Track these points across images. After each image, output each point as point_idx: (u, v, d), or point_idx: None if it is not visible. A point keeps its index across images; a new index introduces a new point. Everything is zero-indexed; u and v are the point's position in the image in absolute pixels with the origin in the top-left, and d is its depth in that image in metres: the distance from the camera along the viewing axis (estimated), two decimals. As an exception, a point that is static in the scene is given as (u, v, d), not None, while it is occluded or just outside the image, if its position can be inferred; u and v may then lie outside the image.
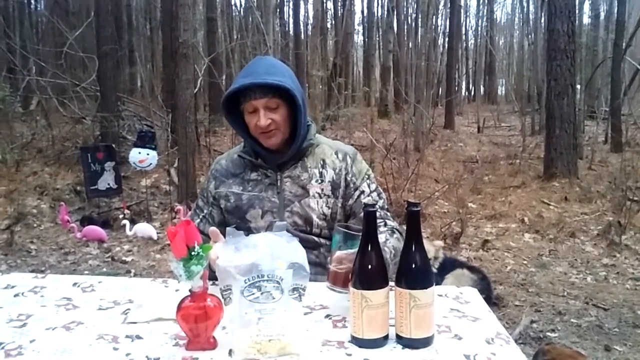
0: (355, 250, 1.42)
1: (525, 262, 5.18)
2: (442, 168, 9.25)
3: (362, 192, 1.91)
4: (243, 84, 1.77)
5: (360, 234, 1.43)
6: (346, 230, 1.47)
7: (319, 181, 1.88)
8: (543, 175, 8.66)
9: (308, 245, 1.74)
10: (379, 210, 1.84)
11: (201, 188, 2.05)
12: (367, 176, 1.94)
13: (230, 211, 1.90)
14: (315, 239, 1.87)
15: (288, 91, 1.76)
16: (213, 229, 1.59)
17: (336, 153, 1.93)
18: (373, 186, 1.94)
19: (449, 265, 4.18)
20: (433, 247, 4.09)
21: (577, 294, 4.37)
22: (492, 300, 3.89)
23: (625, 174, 7.30)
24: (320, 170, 1.89)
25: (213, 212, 1.94)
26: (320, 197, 1.87)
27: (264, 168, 1.90)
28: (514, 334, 3.42)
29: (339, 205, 1.89)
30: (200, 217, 1.95)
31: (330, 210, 1.88)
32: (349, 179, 1.90)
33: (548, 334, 3.63)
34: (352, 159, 1.93)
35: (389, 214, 1.93)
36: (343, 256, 1.45)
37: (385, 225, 1.86)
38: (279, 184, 1.88)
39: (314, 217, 1.86)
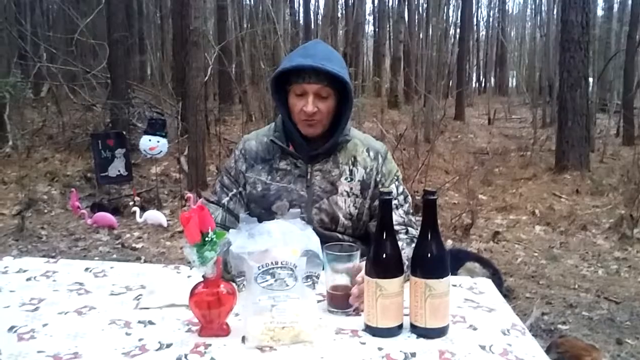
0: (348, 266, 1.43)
1: (536, 254, 5.15)
2: (453, 159, 9.19)
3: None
4: (302, 64, 1.67)
5: (350, 253, 1.43)
6: (336, 254, 1.43)
7: (349, 179, 1.80)
8: (554, 167, 8.61)
9: (330, 242, 1.69)
10: (402, 215, 1.77)
11: (226, 166, 1.91)
12: (396, 177, 1.85)
13: (255, 200, 1.81)
14: (339, 235, 1.78)
15: (342, 84, 1.69)
16: None
17: (367, 150, 1.84)
18: (401, 188, 1.85)
19: (456, 256, 4.12)
20: None
21: (588, 287, 4.34)
22: (503, 293, 3.87)
23: (638, 167, 7.23)
24: (351, 167, 1.81)
25: (243, 193, 1.83)
26: (349, 196, 1.79)
27: (294, 157, 1.80)
28: (524, 325, 3.40)
29: (366, 206, 1.81)
30: (230, 195, 1.83)
31: (357, 211, 1.80)
32: (378, 179, 1.82)
33: (559, 326, 3.61)
34: (383, 158, 1.85)
35: (413, 220, 1.82)
36: (338, 282, 1.44)
37: (407, 232, 1.76)
38: (309, 177, 1.79)
39: (341, 216, 1.78)
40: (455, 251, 4.34)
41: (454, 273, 3.87)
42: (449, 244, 5.15)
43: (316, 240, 1.38)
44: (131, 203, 6.08)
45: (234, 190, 1.84)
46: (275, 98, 1.81)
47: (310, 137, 1.78)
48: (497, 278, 3.88)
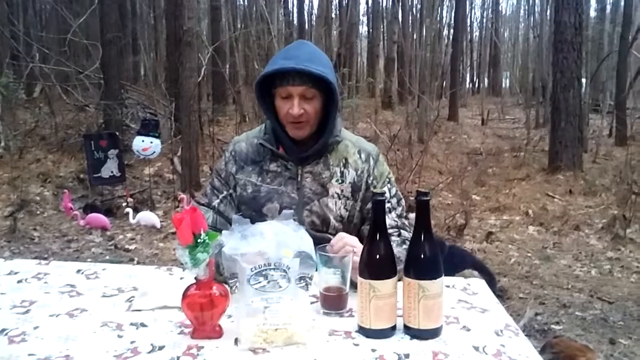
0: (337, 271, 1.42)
1: (529, 254, 5.17)
2: (446, 160, 9.21)
3: None
4: (284, 66, 1.65)
5: (339, 255, 1.43)
6: (328, 255, 1.43)
7: (340, 181, 1.78)
8: (548, 168, 8.64)
9: (322, 243, 1.68)
10: (395, 219, 1.76)
11: (217, 168, 1.90)
12: (388, 180, 1.84)
13: (246, 202, 1.79)
14: (330, 237, 1.71)
15: (327, 84, 1.68)
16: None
17: (359, 152, 1.83)
18: (393, 190, 1.82)
19: (451, 260, 4.07)
20: None
21: (581, 287, 4.36)
22: (496, 294, 3.86)
23: (630, 168, 7.27)
24: (342, 169, 1.79)
25: (234, 195, 1.82)
26: (340, 198, 1.78)
27: (284, 159, 1.78)
28: (518, 326, 3.41)
29: (357, 208, 1.80)
30: (220, 197, 1.81)
31: (347, 213, 1.79)
32: (369, 182, 1.80)
33: (552, 326, 3.62)
34: (374, 160, 1.83)
35: (406, 223, 1.80)
36: (332, 283, 1.44)
37: (400, 235, 1.74)
38: (299, 179, 1.77)
39: (331, 219, 1.77)
40: (456, 250, 4.28)
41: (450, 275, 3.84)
42: (442, 244, 5.15)
43: (309, 241, 1.38)
44: (124, 204, 6.06)
45: (225, 193, 1.82)
46: (261, 102, 1.79)
47: (299, 139, 1.76)
48: (492, 285, 3.87)
